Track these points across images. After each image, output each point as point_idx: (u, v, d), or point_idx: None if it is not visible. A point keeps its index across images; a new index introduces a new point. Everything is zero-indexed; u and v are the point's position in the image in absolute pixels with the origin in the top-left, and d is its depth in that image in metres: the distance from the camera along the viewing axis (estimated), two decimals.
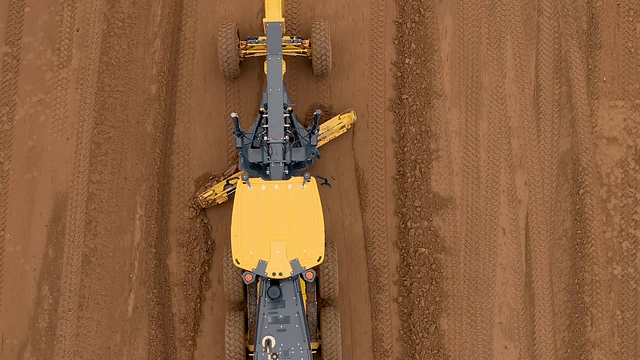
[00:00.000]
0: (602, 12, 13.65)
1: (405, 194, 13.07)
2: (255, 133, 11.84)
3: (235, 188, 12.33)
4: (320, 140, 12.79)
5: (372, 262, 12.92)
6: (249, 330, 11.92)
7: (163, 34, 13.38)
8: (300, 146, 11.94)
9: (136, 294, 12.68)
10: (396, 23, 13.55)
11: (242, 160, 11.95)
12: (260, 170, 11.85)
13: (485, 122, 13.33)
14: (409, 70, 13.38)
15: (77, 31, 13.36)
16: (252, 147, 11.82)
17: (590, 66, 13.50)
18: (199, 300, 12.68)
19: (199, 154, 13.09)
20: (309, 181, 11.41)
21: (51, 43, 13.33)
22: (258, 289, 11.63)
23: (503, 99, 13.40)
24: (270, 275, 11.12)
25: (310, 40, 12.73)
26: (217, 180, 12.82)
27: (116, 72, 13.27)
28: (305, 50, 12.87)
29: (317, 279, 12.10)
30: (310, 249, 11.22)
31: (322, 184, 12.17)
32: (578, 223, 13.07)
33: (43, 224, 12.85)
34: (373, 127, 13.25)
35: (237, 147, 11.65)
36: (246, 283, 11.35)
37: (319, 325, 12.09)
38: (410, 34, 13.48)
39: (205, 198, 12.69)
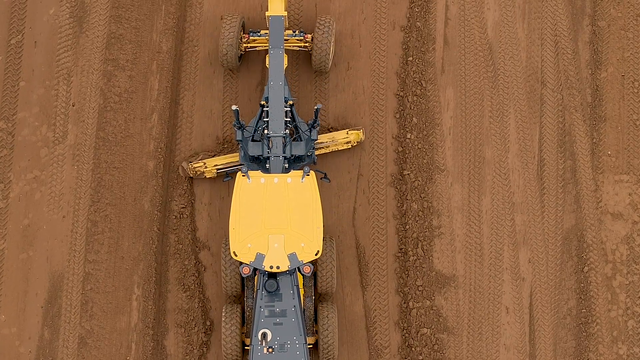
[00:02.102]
0: (606, 83, 13.44)
1: (407, 272, 12.85)
2: (255, 126, 11.90)
3: (225, 170, 12.52)
4: (322, 148, 12.74)
5: (373, 342, 12.70)
6: (246, 323, 11.93)
7: (160, 109, 13.17)
8: (301, 140, 11.95)
9: None
10: (397, 96, 13.34)
11: (242, 153, 11.96)
12: (260, 163, 11.87)
13: (488, 197, 13.11)
14: (410, 144, 13.17)
15: (73, 106, 13.15)
16: (253, 140, 11.84)
17: (594, 140, 13.29)
18: None
19: (197, 233, 12.88)
20: (308, 175, 11.44)
21: (47, 118, 13.11)
22: (255, 282, 11.63)
23: (506, 173, 13.19)
24: (267, 269, 11.15)
25: (313, 34, 12.68)
26: (211, 156, 12.80)
27: (113, 148, 13.05)
28: (307, 44, 12.81)
29: (314, 274, 12.11)
30: (308, 243, 11.24)
31: (321, 178, 12.18)
32: (583, 301, 12.85)
33: (39, 305, 12.63)
34: (374, 204, 13.04)
35: (237, 140, 11.69)
36: (243, 276, 11.32)
37: (315, 320, 12.06)
38: (412, 108, 13.27)
39: (194, 167, 12.66)
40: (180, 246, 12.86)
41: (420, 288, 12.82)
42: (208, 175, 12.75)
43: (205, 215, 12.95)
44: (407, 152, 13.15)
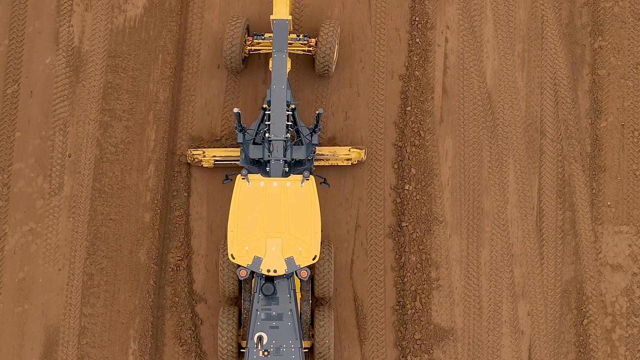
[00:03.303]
0: (606, 133, 13.35)
1: (405, 325, 12.76)
2: (257, 129, 11.92)
3: (222, 162, 12.65)
4: (322, 160, 12.72)
5: None
6: (242, 325, 11.93)
7: (157, 160, 13.07)
8: (302, 144, 11.96)
9: None
10: (395, 146, 13.24)
11: (243, 156, 11.95)
12: (260, 166, 11.88)
13: (487, 249, 13.02)
14: (408, 196, 13.08)
15: (69, 157, 13.06)
16: (254, 143, 11.88)
17: (594, 190, 13.19)
18: None
19: (193, 286, 12.80)
20: (307, 180, 11.45)
21: (42, 169, 13.02)
22: (253, 285, 11.64)
23: (505, 225, 13.09)
24: (264, 272, 11.17)
25: (317, 39, 12.66)
26: (212, 146, 12.89)
27: (109, 200, 12.96)
28: (311, 49, 12.81)
29: (312, 278, 12.11)
30: (306, 248, 11.25)
31: (320, 183, 12.18)
32: (582, 355, 12.76)
33: (34, 359, 12.53)
34: (372, 255, 12.95)
35: (238, 142, 11.75)
36: (240, 278, 11.37)
37: (312, 324, 12.06)
38: (410, 158, 13.18)
39: (192, 154, 12.70)
40: (177, 299, 12.77)
41: (419, 342, 12.73)
42: (205, 165, 12.77)
43: (202, 268, 12.87)
44: (406, 203, 13.06)
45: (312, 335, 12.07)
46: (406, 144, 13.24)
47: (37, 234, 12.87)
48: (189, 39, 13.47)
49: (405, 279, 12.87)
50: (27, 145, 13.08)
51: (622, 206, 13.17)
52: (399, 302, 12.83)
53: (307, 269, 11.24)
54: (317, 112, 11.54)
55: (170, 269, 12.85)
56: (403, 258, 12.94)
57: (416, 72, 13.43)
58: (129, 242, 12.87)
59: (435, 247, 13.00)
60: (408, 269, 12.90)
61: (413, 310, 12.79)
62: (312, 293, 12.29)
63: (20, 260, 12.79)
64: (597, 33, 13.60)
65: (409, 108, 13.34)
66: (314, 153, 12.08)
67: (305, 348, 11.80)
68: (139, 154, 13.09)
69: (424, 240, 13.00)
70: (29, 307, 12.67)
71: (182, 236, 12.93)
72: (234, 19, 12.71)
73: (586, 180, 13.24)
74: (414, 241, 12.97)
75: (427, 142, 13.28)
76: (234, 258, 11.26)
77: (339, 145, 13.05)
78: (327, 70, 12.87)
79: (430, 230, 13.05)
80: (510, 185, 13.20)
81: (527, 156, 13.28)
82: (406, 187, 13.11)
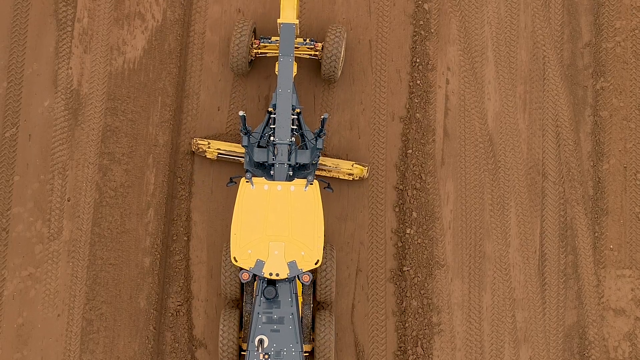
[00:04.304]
0: (608, 175, 13.27)
1: None
2: (262, 132, 11.93)
3: (226, 156, 12.72)
4: (324, 170, 12.73)
5: None
6: (243, 328, 11.93)
7: (157, 204, 12.99)
8: (306, 149, 11.96)
9: None
10: (397, 189, 13.17)
11: (247, 159, 11.97)
12: (264, 169, 11.89)
13: (489, 293, 12.94)
14: (410, 240, 13.00)
15: (68, 201, 12.98)
16: (259, 146, 11.89)
17: (596, 233, 13.11)
18: None
19: (193, 331, 12.71)
20: (311, 184, 11.44)
21: (41, 214, 12.94)
22: (254, 288, 11.65)
23: (507, 269, 13.01)
24: (267, 275, 11.16)
25: (324, 43, 12.67)
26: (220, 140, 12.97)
27: (108, 244, 12.88)
28: (317, 53, 12.81)
29: (314, 282, 12.12)
30: (308, 252, 11.24)
31: (324, 188, 12.21)
32: None
33: None
34: (373, 300, 12.86)
35: (242, 145, 11.79)
36: (242, 282, 11.37)
37: (313, 328, 12.06)
38: (412, 202, 13.10)
39: (198, 143, 12.75)
40: (177, 345, 12.69)
41: None
42: (208, 156, 12.79)
43: (202, 312, 12.78)
44: (407, 247, 12.98)
45: (313, 339, 12.10)
46: (407, 187, 13.17)
47: (36, 279, 12.78)
48: (189, 81, 13.40)
49: (407, 324, 12.79)
50: (26, 189, 13.00)
51: (624, 249, 13.10)
52: (400, 347, 12.75)
53: (309, 274, 11.23)
54: (322, 116, 11.59)
55: (170, 314, 12.76)
56: (404, 303, 12.86)
57: (417, 114, 13.36)
58: (128, 287, 12.78)
59: (436, 292, 12.92)
60: (409, 313, 12.82)
61: (415, 356, 12.70)
62: (314, 297, 12.33)
63: (19, 305, 12.70)
64: (599, 74, 13.53)
65: (410, 150, 13.26)
66: (318, 157, 12.13)
67: (305, 352, 11.84)
68: (138, 198, 13.02)
69: (426, 285, 12.92)
70: (28, 353, 12.58)
71: (182, 281, 12.85)
72: (241, 22, 12.75)
73: (588, 223, 13.16)
74: (416, 285, 12.89)
75: (429, 185, 13.20)
76: (236, 261, 11.26)
77: (342, 168, 12.96)
78: (333, 75, 12.87)
79: (431, 274, 12.97)
80: (512, 229, 13.12)
81: (528, 199, 13.21)
82: (407, 231, 13.03)
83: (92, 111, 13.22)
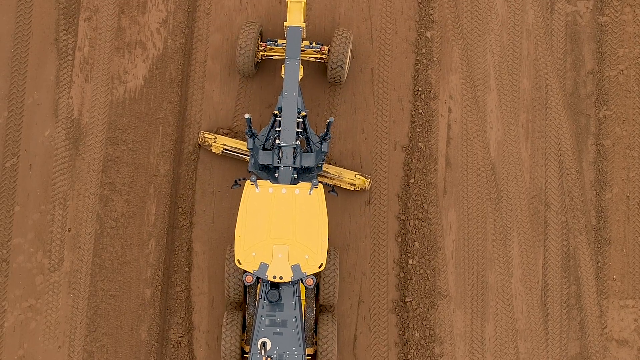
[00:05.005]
0: (611, 205, 13.22)
1: None
2: (267, 135, 11.93)
3: (231, 152, 12.77)
4: (326, 178, 12.74)
5: None
6: (246, 330, 11.96)
7: (158, 235, 12.93)
8: (311, 152, 11.96)
9: None
10: (399, 219, 13.11)
11: (252, 161, 11.96)
12: (269, 172, 11.92)
13: (491, 324, 12.88)
14: (412, 270, 12.94)
15: (69, 231, 12.92)
16: (264, 148, 11.90)
17: (599, 263, 13.06)
18: None
19: None
20: (316, 188, 11.43)
21: (42, 244, 12.88)
22: (258, 291, 11.64)
23: (509, 299, 12.96)
24: (270, 278, 11.14)
25: (330, 47, 12.66)
26: (228, 135, 12.97)
27: (109, 276, 12.82)
28: (324, 56, 12.83)
29: (317, 285, 12.16)
30: (312, 255, 11.22)
31: (329, 192, 12.20)
32: None
33: None
34: (375, 331, 12.81)
35: (248, 148, 11.76)
36: (246, 284, 11.35)
37: (315, 331, 12.07)
38: (414, 232, 13.05)
39: (205, 136, 12.81)
40: None
41: None
42: (214, 150, 12.82)
43: (204, 344, 12.73)
44: (409, 277, 12.92)
45: (315, 342, 12.11)
46: (409, 217, 13.11)
47: (36, 311, 12.72)
48: (190, 110, 13.34)
49: (409, 356, 12.73)
50: (27, 220, 12.94)
51: (627, 279, 13.04)
52: None
53: (313, 277, 11.23)
54: (328, 120, 11.58)
55: (172, 346, 12.71)
56: (407, 334, 12.80)
57: (419, 143, 13.31)
58: (129, 318, 12.73)
59: (439, 323, 12.87)
60: (412, 344, 12.76)
61: None
62: (317, 300, 12.34)
63: (20, 337, 12.64)
64: (601, 102, 13.47)
65: (412, 180, 13.21)
66: (323, 161, 12.13)
67: (308, 355, 11.85)
68: (139, 228, 12.96)
69: (428, 316, 12.86)
70: None
71: (183, 312, 12.79)
72: (248, 24, 12.76)
73: (591, 253, 13.10)
74: (418, 317, 12.84)
75: (431, 214, 13.15)
76: (240, 263, 11.24)
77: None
78: (339, 78, 12.87)
79: (434, 305, 12.91)
80: (515, 259, 13.06)
81: (531, 229, 13.15)
82: (410, 262, 12.97)
83: (93, 141, 13.16)
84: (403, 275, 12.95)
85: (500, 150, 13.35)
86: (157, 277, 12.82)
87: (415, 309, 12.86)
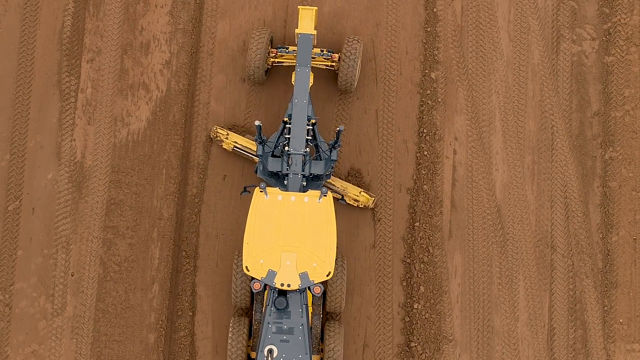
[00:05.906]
0: (617, 247, 13.13)
1: None
2: (276, 142, 11.93)
3: (241, 151, 12.81)
4: (331, 190, 12.68)
5: None
6: (252, 336, 11.91)
7: (161, 279, 12.85)
8: (320, 160, 11.94)
9: None
10: (404, 262, 13.03)
11: (261, 168, 11.95)
12: (278, 179, 11.90)
13: None
14: (417, 315, 12.86)
15: (72, 276, 12.83)
16: (273, 155, 11.89)
17: (606, 307, 12.97)
18: None
19: None
20: (325, 196, 11.41)
21: (45, 289, 12.79)
22: (265, 298, 11.62)
23: (515, 344, 12.87)
24: (278, 286, 11.18)
25: (340, 55, 12.67)
26: (239, 133, 13.00)
27: (113, 320, 12.73)
28: (334, 64, 12.83)
29: (324, 292, 12.13)
30: (320, 264, 11.22)
31: (338, 200, 12.24)
32: None
33: None
34: None
35: (257, 155, 11.78)
36: (254, 291, 11.38)
37: (322, 338, 12.05)
38: (419, 275, 12.96)
39: (217, 131, 12.87)
40: None
41: None
42: (225, 147, 12.85)
43: None
44: (414, 322, 12.84)
45: (322, 350, 12.08)
46: (415, 261, 13.03)
47: (39, 356, 12.63)
48: (193, 152, 13.26)
49: None
50: (29, 264, 12.86)
51: (634, 323, 12.96)
52: None
53: (321, 285, 11.24)
54: (338, 128, 11.56)
55: None
56: None
57: (424, 185, 13.23)
58: None
59: None
60: None
61: None
62: (323, 307, 12.30)
63: None
64: (607, 144, 13.40)
65: (417, 223, 13.13)
66: (332, 169, 12.12)
67: None
68: (143, 273, 12.87)
69: None
70: None
71: (187, 357, 12.70)
72: (258, 30, 12.78)
73: (598, 296, 13.02)
74: None
75: (436, 258, 13.06)
76: (248, 270, 11.22)
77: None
78: (349, 86, 12.87)
79: (439, 349, 12.82)
80: (521, 303, 12.98)
81: (537, 272, 13.06)
82: (415, 306, 12.88)
83: (96, 184, 13.08)
84: (408, 319, 12.87)
85: (505, 193, 13.27)
86: (160, 321, 12.74)
87: (421, 353, 12.77)
